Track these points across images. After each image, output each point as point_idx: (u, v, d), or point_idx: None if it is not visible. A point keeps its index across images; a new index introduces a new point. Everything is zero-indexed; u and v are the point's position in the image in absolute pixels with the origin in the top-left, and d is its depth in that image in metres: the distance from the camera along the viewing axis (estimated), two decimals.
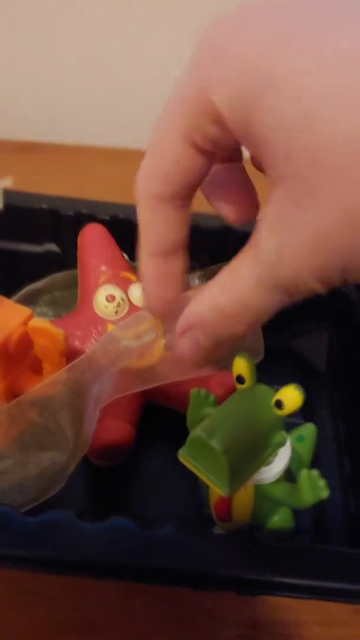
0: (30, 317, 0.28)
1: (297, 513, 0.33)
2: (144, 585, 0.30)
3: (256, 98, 0.17)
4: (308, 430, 0.30)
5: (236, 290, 0.20)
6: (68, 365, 0.26)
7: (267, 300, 0.20)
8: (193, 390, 0.28)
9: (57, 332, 0.27)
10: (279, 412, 0.24)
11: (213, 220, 0.38)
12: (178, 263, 0.22)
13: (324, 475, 0.35)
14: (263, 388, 0.25)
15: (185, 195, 0.21)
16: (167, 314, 0.23)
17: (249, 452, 0.24)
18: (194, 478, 0.28)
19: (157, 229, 0.21)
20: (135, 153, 0.58)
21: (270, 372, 0.34)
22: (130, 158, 0.57)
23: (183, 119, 0.19)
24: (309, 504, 0.25)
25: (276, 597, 0.30)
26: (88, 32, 0.55)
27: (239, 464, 0.24)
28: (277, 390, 0.25)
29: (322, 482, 0.24)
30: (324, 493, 0.24)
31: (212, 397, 0.28)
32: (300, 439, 0.29)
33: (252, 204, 0.23)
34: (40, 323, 0.27)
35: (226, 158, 0.23)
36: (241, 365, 0.25)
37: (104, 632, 0.30)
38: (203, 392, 0.28)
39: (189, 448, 0.24)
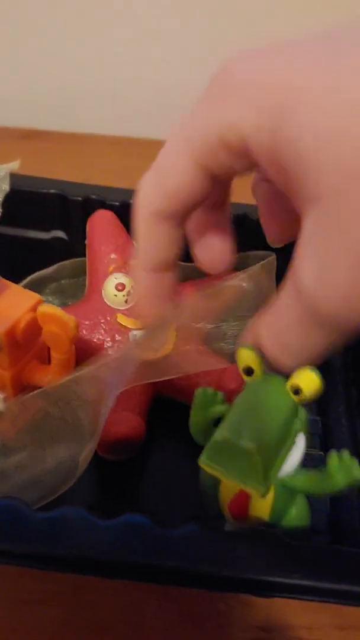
0: (39, 303, 0.27)
1: (312, 512, 0.32)
2: (155, 585, 0.29)
3: (285, 118, 0.17)
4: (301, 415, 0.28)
5: (277, 327, 0.19)
6: (97, 364, 0.24)
7: (311, 339, 0.19)
8: (198, 390, 0.26)
9: (69, 318, 0.26)
10: (297, 399, 0.23)
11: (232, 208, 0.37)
12: (170, 279, 0.23)
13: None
14: (274, 377, 0.24)
15: (184, 215, 0.21)
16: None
17: (276, 446, 0.23)
18: None
19: (155, 245, 0.21)
20: (140, 142, 0.58)
21: None
22: (135, 147, 0.57)
23: (198, 144, 0.19)
24: (342, 488, 0.23)
25: (292, 599, 0.29)
26: (93, 20, 0.53)
27: (270, 459, 0.23)
28: (287, 379, 0.24)
29: (355, 463, 0.23)
30: (359, 474, 0.23)
31: (220, 395, 0.26)
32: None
33: (228, 252, 0.24)
34: (51, 309, 0.26)
35: (215, 203, 0.23)
36: (248, 357, 0.23)
37: (112, 634, 0.28)
38: (210, 390, 0.26)
39: (211, 452, 0.23)
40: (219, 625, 0.29)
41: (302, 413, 0.27)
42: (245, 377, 0.24)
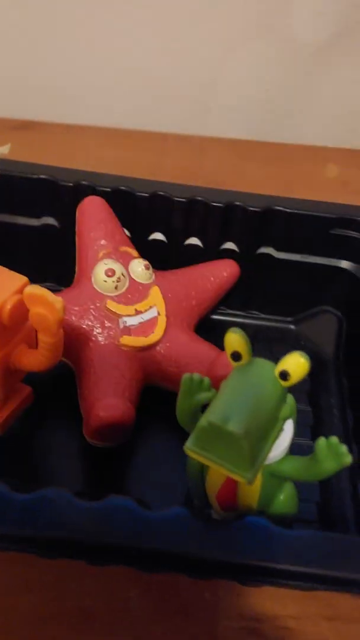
0: (25, 285, 0.26)
1: (302, 502, 0.32)
2: (141, 572, 0.28)
3: None
4: (290, 402, 0.28)
5: None
6: None
7: None
8: (185, 375, 0.25)
9: (56, 299, 0.25)
10: (284, 384, 0.23)
11: (220, 196, 0.37)
12: None
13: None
14: (262, 362, 0.24)
15: None
16: None
17: (263, 431, 0.22)
18: None
19: None
20: (133, 133, 0.58)
21: (276, 357, 0.33)
22: (127, 138, 0.57)
23: None
24: (331, 473, 0.23)
25: (281, 588, 0.28)
26: (87, 11, 0.53)
27: (257, 445, 0.22)
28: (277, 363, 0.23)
29: (343, 448, 0.22)
30: (347, 459, 0.22)
31: (207, 381, 0.25)
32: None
33: None
34: (37, 290, 0.25)
35: None
36: (235, 341, 0.23)
37: (97, 622, 0.28)
38: (197, 376, 0.25)
39: (197, 438, 0.22)
40: (206, 614, 0.28)
41: (291, 400, 0.27)
42: (233, 362, 0.24)
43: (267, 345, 0.40)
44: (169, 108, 0.58)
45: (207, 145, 0.58)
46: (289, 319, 0.41)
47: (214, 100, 0.58)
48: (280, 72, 0.56)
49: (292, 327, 0.41)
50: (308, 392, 0.38)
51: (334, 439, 0.23)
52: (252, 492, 0.25)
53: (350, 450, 0.34)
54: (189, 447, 0.22)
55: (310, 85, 0.57)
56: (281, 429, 0.24)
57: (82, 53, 0.56)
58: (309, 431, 0.35)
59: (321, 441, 0.23)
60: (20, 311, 0.26)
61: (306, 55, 0.55)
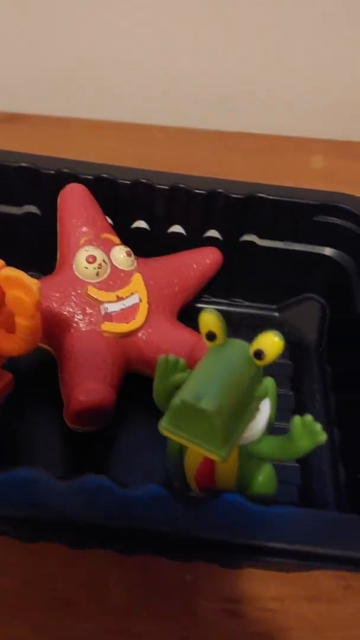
0: (1, 268, 0.26)
1: (283, 485, 0.32)
2: (120, 556, 0.28)
3: None
4: (269, 385, 0.28)
5: None
6: None
7: None
8: (161, 357, 0.25)
9: (32, 281, 0.25)
10: (259, 363, 0.23)
11: (202, 183, 0.37)
12: None
13: (317, 447, 0.33)
14: (237, 342, 0.24)
15: None
16: None
17: (237, 410, 0.22)
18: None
19: None
20: (119, 125, 0.58)
21: None
22: (115, 130, 0.57)
23: None
24: (306, 451, 0.23)
25: (261, 568, 0.29)
26: (73, 4, 0.53)
27: (230, 423, 0.22)
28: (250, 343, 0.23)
29: (317, 426, 0.22)
30: (321, 437, 0.22)
31: (182, 362, 0.25)
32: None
33: None
34: (13, 272, 0.25)
35: None
36: (210, 321, 0.23)
37: (74, 607, 0.28)
38: (172, 357, 0.25)
39: (172, 417, 0.22)
40: (186, 596, 0.28)
41: (271, 382, 0.27)
42: (208, 343, 0.24)
43: (251, 333, 0.39)
44: (155, 100, 0.58)
45: (192, 136, 0.58)
46: (272, 306, 0.41)
47: (200, 92, 0.58)
48: (265, 63, 0.56)
49: (276, 314, 0.41)
50: (291, 377, 0.38)
51: (309, 417, 0.23)
52: (229, 472, 0.25)
53: (332, 434, 0.34)
54: (164, 425, 0.22)
55: (294, 77, 0.57)
56: (257, 409, 0.24)
57: (69, 45, 0.56)
58: (292, 416, 0.35)
59: (296, 420, 0.23)
60: None
61: (290, 45, 0.55)
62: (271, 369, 0.35)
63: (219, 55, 0.55)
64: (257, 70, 0.56)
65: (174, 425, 0.22)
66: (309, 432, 0.22)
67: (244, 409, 0.23)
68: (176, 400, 0.21)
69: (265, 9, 0.52)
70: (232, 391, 0.22)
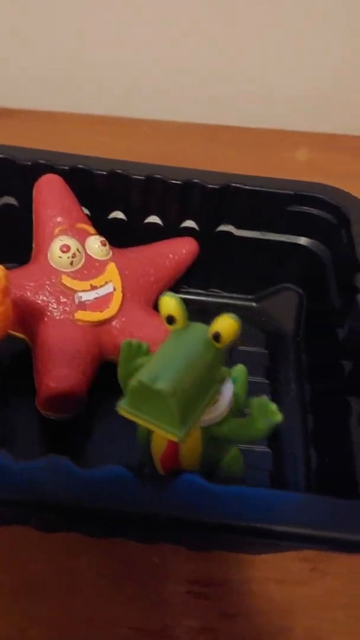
0: None
1: (254, 470, 0.32)
2: (89, 539, 0.29)
3: None
4: (239, 371, 0.28)
5: None
6: None
7: None
8: (124, 342, 0.26)
9: None
10: (217, 345, 0.23)
11: (178, 173, 0.37)
12: None
13: (290, 433, 0.34)
14: (197, 325, 0.24)
15: None
16: None
17: (195, 391, 0.23)
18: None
19: None
20: (113, 120, 0.58)
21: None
22: (108, 125, 0.57)
23: None
24: (265, 432, 0.23)
25: (226, 551, 0.29)
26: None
27: (188, 404, 0.22)
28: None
29: (273, 406, 0.23)
30: (277, 417, 0.23)
31: (145, 346, 0.26)
32: (233, 380, 0.27)
33: None
34: None
35: None
36: (170, 305, 0.24)
37: (47, 595, 0.28)
38: (135, 342, 0.26)
39: (131, 399, 0.22)
40: (153, 578, 0.29)
41: (241, 369, 0.27)
42: (168, 326, 0.24)
43: None
44: (145, 95, 0.58)
45: (182, 131, 0.58)
46: (250, 296, 0.41)
47: (190, 87, 0.58)
48: (263, 62, 0.56)
49: (254, 304, 0.41)
50: (267, 366, 0.38)
51: (264, 398, 0.23)
52: (193, 454, 0.26)
53: (306, 422, 0.35)
54: (122, 407, 0.23)
55: (282, 71, 0.57)
56: (217, 391, 0.24)
57: (61, 39, 0.56)
58: None
59: (253, 401, 0.23)
60: None
61: (278, 39, 0.55)
62: (248, 357, 0.36)
63: (214, 50, 0.56)
64: (256, 67, 0.57)
65: (134, 407, 0.22)
66: (265, 412, 0.23)
67: (204, 390, 0.23)
68: (134, 382, 0.22)
69: (265, 8, 0.53)
70: (190, 373, 0.22)
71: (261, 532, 0.22)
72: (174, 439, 0.22)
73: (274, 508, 0.23)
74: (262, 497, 0.23)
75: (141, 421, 0.22)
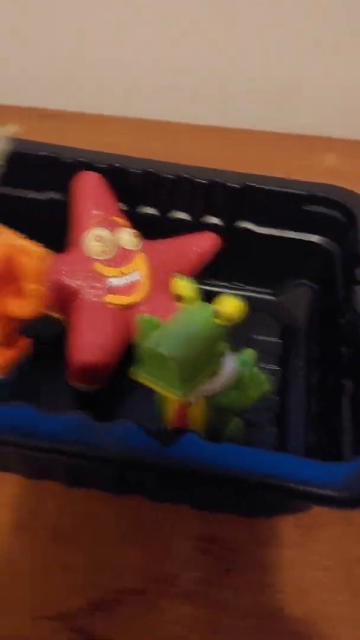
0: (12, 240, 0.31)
1: (259, 445, 0.35)
2: (111, 495, 0.32)
3: None
4: (249, 355, 0.31)
5: None
6: None
7: None
8: (138, 317, 0.30)
9: (35, 249, 0.30)
10: (218, 321, 0.26)
11: (205, 173, 0.41)
12: None
13: (294, 414, 0.37)
14: (204, 304, 0.27)
15: None
16: None
17: (196, 359, 0.26)
18: None
19: None
20: (108, 119, 0.59)
21: (253, 323, 0.37)
22: (104, 124, 0.58)
23: None
24: (255, 400, 0.27)
25: (231, 514, 0.32)
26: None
27: (189, 369, 0.26)
28: None
29: (262, 377, 0.26)
30: (265, 386, 0.26)
31: (156, 320, 0.29)
32: (244, 363, 0.30)
33: None
34: (19, 241, 0.30)
35: None
36: (182, 285, 0.27)
37: (70, 542, 0.32)
38: (147, 316, 0.29)
39: (145, 365, 0.26)
40: (163, 534, 0.32)
41: (250, 352, 0.30)
42: (180, 304, 0.28)
43: (248, 315, 0.43)
44: (145, 95, 0.59)
45: (201, 134, 0.60)
46: (270, 290, 0.45)
47: (190, 87, 0.59)
48: (254, 57, 0.57)
49: (273, 298, 0.44)
50: (280, 355, 0.41)
51: (255, 369, 0.26)
52: (198, 418, 0.29)
53: (309, 405, 0.38)
54: (140, 372, 0.26)
55: (282, 70, 0.58)
56: (219, 363, 0.28)
57: (62, 40, 0.57)
58: (277, 387, 0.39)
59: (245, 372, 0.27)
60: (8, 263, 0.31)
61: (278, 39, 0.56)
62: (263, 346, 0.39)
63: (219, 52, 0.57)
64: (256, 67, 0.58)
65: (145, 370, 0.26)
66: (255, 382, 0.26)
67: (205, 360, 0.27)
68: (142, 347, 0.25)
69: (265, 8, 0.54)
70: (192, 342, 0.26)
71: (249, 482, 0.25)
72: (174, 397, 0.25)
73: (265, 463, 0.26)
74: (249, 452, 0.26)
75: (150, 383, 0.26)
